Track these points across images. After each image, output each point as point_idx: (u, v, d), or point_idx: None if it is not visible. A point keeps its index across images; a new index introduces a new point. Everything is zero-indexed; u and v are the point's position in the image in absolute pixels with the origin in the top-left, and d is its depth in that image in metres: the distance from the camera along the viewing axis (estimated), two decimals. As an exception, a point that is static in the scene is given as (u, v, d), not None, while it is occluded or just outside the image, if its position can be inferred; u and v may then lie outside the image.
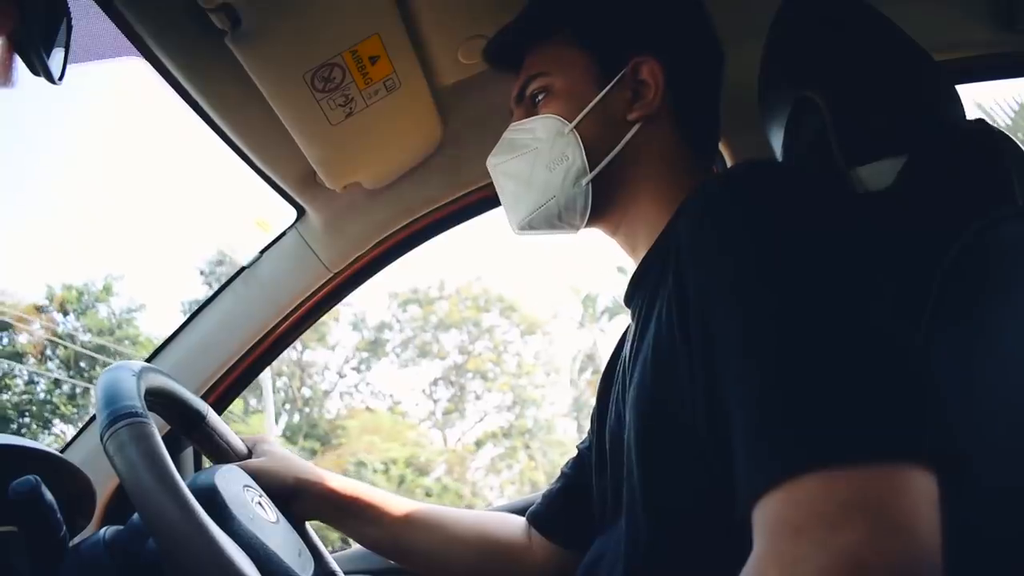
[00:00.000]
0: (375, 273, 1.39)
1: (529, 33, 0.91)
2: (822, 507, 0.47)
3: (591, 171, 0.84)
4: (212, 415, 0.98)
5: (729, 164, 1.28)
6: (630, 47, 0.85)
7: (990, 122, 0.78)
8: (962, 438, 0.60)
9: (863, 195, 0.77)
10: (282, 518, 0.90)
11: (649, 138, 0.85)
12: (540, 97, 0.88)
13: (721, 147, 1.28)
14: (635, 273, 0.85)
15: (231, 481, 0.86)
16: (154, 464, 0.67)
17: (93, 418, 1.15)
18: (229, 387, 1.35)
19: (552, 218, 0.88)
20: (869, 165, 0.78)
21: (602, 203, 0.86)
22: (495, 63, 0.98)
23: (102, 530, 0.78)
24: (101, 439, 0.69)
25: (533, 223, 0.90)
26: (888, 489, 0.47)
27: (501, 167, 0.92)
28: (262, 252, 1.35)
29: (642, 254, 0.85)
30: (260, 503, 0.89)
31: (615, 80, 0.84)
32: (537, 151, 0.86)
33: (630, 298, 0.86)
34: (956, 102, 0.82)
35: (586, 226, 0.90)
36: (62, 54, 0.71)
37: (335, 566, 1.03)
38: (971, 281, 0.67)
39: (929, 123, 0.79)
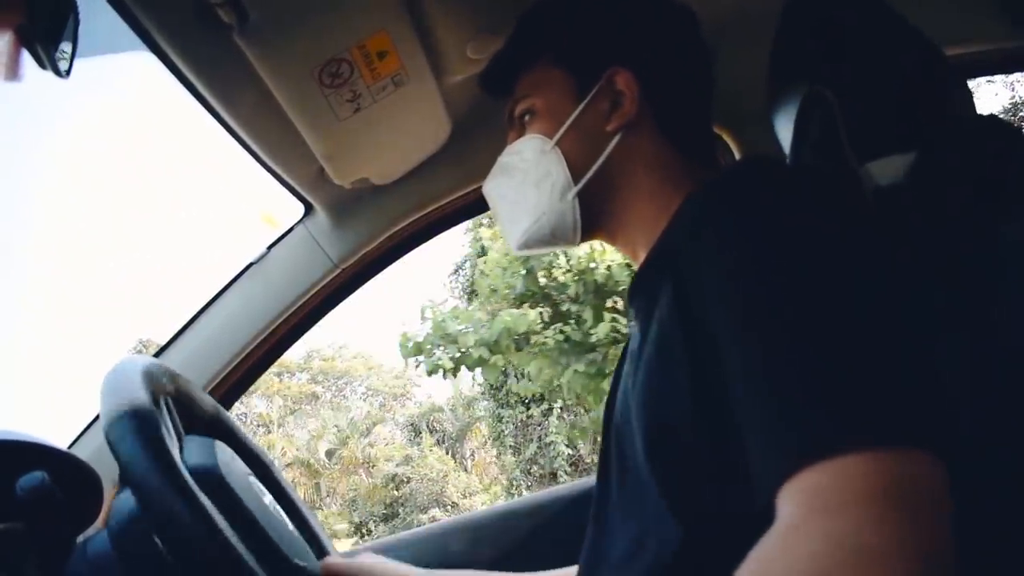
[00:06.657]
0: (383, 268, 1.39)
1: (516, 60, 0.93)
2: (861, 485, 0.47)
3: (576, 185, 0.86)
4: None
5: (738, 158, 1.27)
6: (604, 60, 0.86)
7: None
8: (971, 431, 0.61)
9: (872, 191, 0.76)
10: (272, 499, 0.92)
11: (633, 147, 0.85)
12: (526, 119, 0.90)
13: (730, 142, 1.28)
14: (636, 276, 0.85)
15: (233, 460, 0.86)
16: (157, 457, 0.67)
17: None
18: (235, 383, 1.35)
19: (545, 235, 0.90)
20: (879, 160, 0.77)
21: (593, 214, 0.87)
22: (491, 91, 1.00)
23: (108, 526, 0.78)
24: (104, 433, 0.69)
25: (529, 242, 0.92)
26: (918, 472, 0.48)
27: (495, 191, 0.94)
28: (269, 248, 1.35)
29: (643, 257, 0.85)
30: (259, 486, 0.90)
31: (592, 94, 0.85)
32: (525, 172, 0.89)
33: (631, 301, 0.86)
34: (967, 96, 0.82)
35: (583, 238, 0.90)
36: (70, 49, 0.70)
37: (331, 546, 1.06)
38: (982, 278, 0.66)
39: (939, 117, 0.79)
